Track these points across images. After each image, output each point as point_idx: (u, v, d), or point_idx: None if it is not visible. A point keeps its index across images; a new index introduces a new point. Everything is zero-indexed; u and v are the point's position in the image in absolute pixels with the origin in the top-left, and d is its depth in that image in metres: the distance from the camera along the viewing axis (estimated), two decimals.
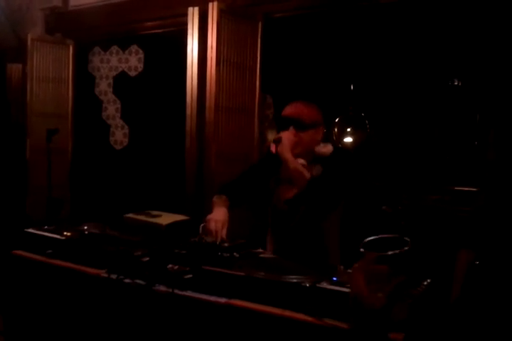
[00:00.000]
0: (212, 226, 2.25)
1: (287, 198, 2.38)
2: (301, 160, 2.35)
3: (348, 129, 4.62)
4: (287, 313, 1.69)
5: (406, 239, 1.38)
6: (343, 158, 2.44)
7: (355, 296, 1.33)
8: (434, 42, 4.17)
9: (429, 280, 1.78)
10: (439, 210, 3.90)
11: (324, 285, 1.73)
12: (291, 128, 2.34)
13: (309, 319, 1.64)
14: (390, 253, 1.34)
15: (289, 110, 2.39)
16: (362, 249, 1.38)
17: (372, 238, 1.40)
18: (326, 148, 2.42)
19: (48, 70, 4.92)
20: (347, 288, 1.64)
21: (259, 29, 4.07)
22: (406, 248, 1.35)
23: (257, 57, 4.09)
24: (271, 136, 4.55)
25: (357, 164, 2.65)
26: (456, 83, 4.45)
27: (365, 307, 1.29)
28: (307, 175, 2.30)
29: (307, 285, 1.73)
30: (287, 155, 2.30)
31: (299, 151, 2.35)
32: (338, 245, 2.46)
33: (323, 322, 1.62)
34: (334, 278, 1.78)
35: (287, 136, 2.32)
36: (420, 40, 4.23)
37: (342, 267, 1.89)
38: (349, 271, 1.73)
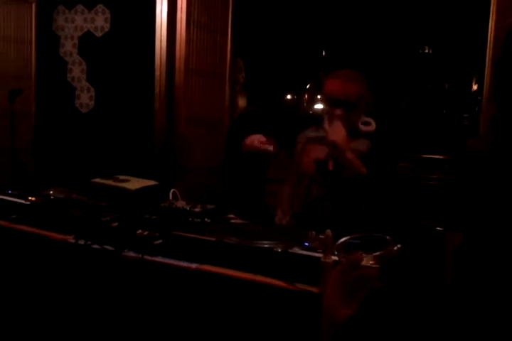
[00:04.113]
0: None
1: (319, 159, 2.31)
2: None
3: (319, 95, 4.60)
4: (259, 278, 1.68)
5: (387, 238, 1.19)
6: (387, 133, 2.39)
7: (325, 310, 1.17)
8: (405, 10, 4.14)
9: (399, 246, 1.79)
10: (405, 178, 3.95)
11: (296, 250, 1.74)
12: (339, 110, 2.24)
13: (281, 284, 1.64)
14: (377, 253, 1.13)
15: (336, 89, 2.27)
16: (337, 252, 1.20)
17: (344, 239, 1.22)
18: (371, 126, 2.32)
19: (9, 29, 4.70)
20: (318, 253, 1.65)
21: None
22: (392, 247, 1.17)
23: (228, 20, 3.99)
24: (241, 101, 4.50)
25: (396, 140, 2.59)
26: (426, 51, 4.46)
27: (334, 322, 1.13)
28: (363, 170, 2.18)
29: (279, 250, 1.73)
30: (349, 155, 2.16)
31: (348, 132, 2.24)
32: None
33: (294, 286, 1.62)
34: (306, 244, 1.78)
35: (340, 137, 2.17)
36: (392, 7, 4.19)
37: (314, 232, 1.89)
38: (321, 236, 1.73)
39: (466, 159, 2.14)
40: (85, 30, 4.68)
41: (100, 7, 4.59)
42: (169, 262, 1.84)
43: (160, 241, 1.93)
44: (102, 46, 4.60)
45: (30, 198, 2.38)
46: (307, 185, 2.36)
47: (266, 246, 1.78)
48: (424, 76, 4.46)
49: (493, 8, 2.94)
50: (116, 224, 2.06)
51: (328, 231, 1.56)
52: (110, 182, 2.40)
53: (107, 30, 4.57)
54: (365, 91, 2.32)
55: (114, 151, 4.52)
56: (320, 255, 1.60)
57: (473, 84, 4.20)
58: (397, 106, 4.68)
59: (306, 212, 2.34)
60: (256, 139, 2.27)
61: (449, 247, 2.08)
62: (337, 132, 2.18)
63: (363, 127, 2.32)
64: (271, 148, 2.24)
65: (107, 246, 1.95)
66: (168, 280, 1.83)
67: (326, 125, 2.26)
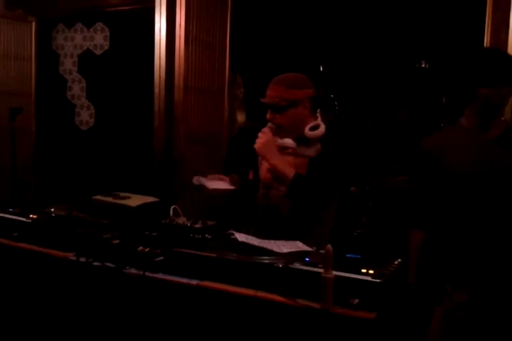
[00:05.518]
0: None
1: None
2: (289, 140, 2.26)
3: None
4: (260, 294, 1.68)
5: None
6: (340, 136, 2.34)
7: None
8: (402, 24, 4.19)
9: (400, 260, 1.80)
10: (405, 191, 3.95)
11: (296, 265, 1.73)
12: (269, 111, 2.29)
13: (282, 299, 1.64)
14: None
15: (266, 94, 2.31)
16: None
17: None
18: (319, 131, 2.28)
19: (9, 47, 4.75)
20: (319, 268, 1.65)
21: (229, 7, 4.01)
22: None
23: (226, 36, 4.03)
24: (240, 116, 4.52)
25: (355, 143, 2.58)
26: (423, 65, 4.50)
27: None
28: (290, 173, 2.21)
29: (280, 265, 1.73)
30: (274, 161, 2.23)
31: (284, 133, 2.27)
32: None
33: (295, 302, 1.62)
34: (307, 259, 1.78)
35: (260, 144, 2.25)
36: (389, 22, 4.24)
37: (315, 248, 1.89)
38: (322, 251, 1.73)
39: (417, 158, 2.20)
40: (85, 48, 4.73)
41: (99, 25, 4.64)
42: (170, 279, 1.84)
43: (161, 257, 1.93)
44: (101, 64, 4.64)
45: (31, 216, 2.38)
46: (264, 194, 2.38)
47: (267, 261, 1.77)
48: (422, 90, 4.49)
49: (488, 22, 2.98)
50: (117, 241, 2.06)
51: (329, 247, 1.57)
52: (110, 199, 2.40)
53: (106, 48, 4.61)
54: (298, 96, 2.26)
55: (114, 168, 4.53)
56: (321, 270, 1.60)
57: None
58: (394, 119, 4.71)
59: (267, 220, 2.37)
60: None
61: (413, 246, 2.14)
62: (259, 139, 2.26)
63: (309, 133, 2.28)
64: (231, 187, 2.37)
65: (108, 264, 1.96)
66: (170, 296, 1.83)
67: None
